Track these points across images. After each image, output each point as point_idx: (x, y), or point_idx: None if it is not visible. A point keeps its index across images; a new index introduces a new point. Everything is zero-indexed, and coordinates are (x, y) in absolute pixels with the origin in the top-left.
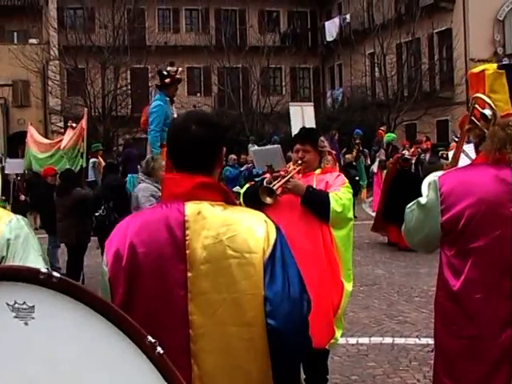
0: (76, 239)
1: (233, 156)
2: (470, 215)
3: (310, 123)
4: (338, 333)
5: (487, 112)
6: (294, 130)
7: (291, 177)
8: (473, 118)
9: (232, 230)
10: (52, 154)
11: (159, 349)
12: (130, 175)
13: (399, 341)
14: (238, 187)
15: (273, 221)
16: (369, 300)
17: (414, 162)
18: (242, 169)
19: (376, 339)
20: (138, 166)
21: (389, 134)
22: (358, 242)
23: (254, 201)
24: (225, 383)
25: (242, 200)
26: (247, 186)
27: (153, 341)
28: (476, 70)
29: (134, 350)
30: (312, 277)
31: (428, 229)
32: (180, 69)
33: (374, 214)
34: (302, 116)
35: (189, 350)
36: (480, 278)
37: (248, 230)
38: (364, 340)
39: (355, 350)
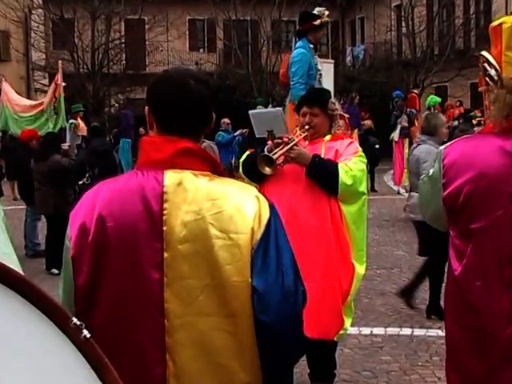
0: (54, 210)
1: (226, 120)
2: (468, 191)
3: (328, 83)
4: (348, 322)
5: (492, 72)
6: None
7: (295, 144)
8: (487, 78)
9: (217, 206)
10: (36, 116)
11: (85, 332)
12: (122, 140)
13: (419, 332)
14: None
15: (266, 197)
16: (386, 285)
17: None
18: (235, 134)
19: (393, 330)
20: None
21: (432, 97)
22: (378, 219)
23: (253, 171)
24: (205, 382)
25: (241, 170)
26: (247, 153)
27: (78, 323)
28: (495, 23)
29: (56, 333)
30: (318, 258)
31: (434, 203)
32: (327, 12)
33: (396, 188)
34: (320, 74)
35: (164, 342)
36: (480, 263)
37: (236, 207)
38: (379, 330)
39: (368, 341)
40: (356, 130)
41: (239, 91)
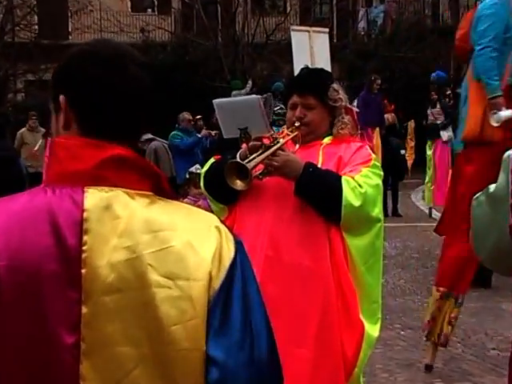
0: None
1: (186, 115)
2: None
3: (323, 60)
4: None
5: None
6: (297, 70)
7: (280, 148)
8: None
9: (160, 241)
10: None
11: None
12: None
13: None
14: (197, 166)
15: (230, 229)
16: (414, 352)
17: None
18: (199, 135)
19: None
20: None
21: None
22: (402, 256)
23: (218, 186)
24: None
25: (202, 184)
26: (211, 161)
27: None
28: None
29: None
30: (311, 312)
31: (497, 232)
32: None
33: (427, 211)
34: (311, 48)
35: None
36: None
37: (187, 242)
38: None
39: None
40: (377, 130)
41: (204, 71)
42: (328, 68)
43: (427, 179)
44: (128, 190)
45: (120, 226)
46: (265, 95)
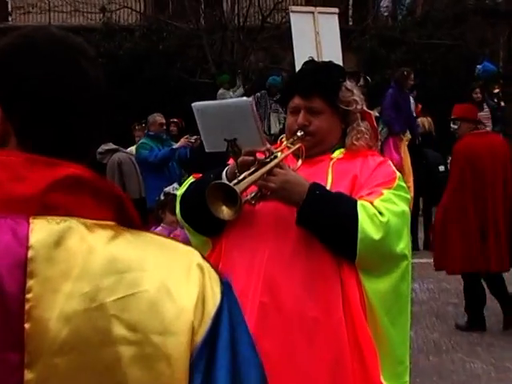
0: None
1: (158, 117)
2: None
3: (332, 50)
4: None
5: None
6: (299, 64)
7: (278, 164)
8: None
9: (127, 285)
10: None
11: None
12: None
13: None
14: (175, 185)
15: (214, 267)
16: None
17: None
18: (175, 146)
19: None
20: None
21: None
22: (437, 302)
23: (200, 214)
24: None
25: (178, 211)
26: (190, 180)
27: None
28: None
29: None
30: (319, 375)
31: None
32: None
33: None
34: (316, 35)
35: None
36: None
37: (162, 286)
38: None
39: None
40: (406, 137)
41: (182, 62)
42: (339, 60)
43: None
44: (85, 221)
45: (75, 266)
46: (258, 94)
